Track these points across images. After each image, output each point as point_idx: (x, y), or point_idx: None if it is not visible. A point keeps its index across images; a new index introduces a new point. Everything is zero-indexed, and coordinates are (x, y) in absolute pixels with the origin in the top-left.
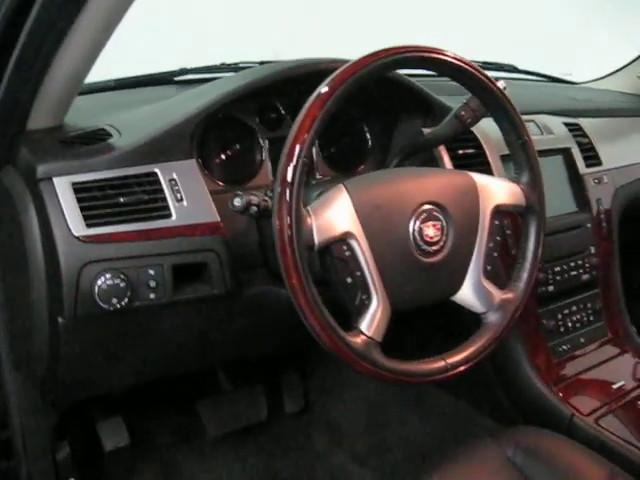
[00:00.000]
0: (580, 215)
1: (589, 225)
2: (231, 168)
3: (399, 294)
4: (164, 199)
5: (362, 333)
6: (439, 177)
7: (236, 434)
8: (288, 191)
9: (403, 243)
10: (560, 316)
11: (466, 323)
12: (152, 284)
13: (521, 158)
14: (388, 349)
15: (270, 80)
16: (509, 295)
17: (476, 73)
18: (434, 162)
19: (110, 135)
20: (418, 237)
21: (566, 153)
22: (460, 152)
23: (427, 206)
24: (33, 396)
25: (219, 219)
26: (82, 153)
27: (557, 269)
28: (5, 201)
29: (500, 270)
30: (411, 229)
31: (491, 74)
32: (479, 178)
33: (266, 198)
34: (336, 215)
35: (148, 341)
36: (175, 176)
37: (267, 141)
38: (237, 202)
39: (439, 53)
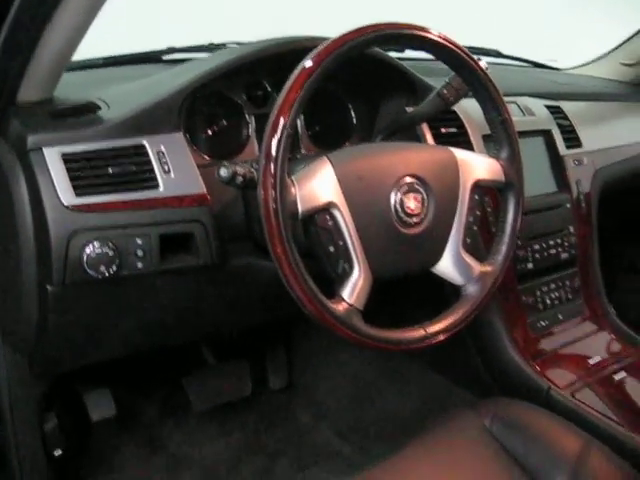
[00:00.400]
0: (560, 195)
1: (568, 205)
2: (218, 143)
3: (380, 264)
4: (152, 171)
5: (344, 300)
6: (421, 151)
7: (221, 409)
8: (273, 161)
9: (385, 214)
10: (539, 293)
11: (446, 295)
12: (140, 253)
13: (501, 135)
14: (369, 318)
15: (255, 56)
16: (488, 268)
17: (458, 51)
18: (417, 140)
19: (99, 108)
20: (399, 209)
21: (547, 134)
22: (443, 130)
23: (408, 179)
24: (21, 367)
25: (206, 191)
26: (72, 125)
27: (536, 247)
28: None
29: (480, 244)
30: (392, 201)
31: None
32: (459, 153)
33: (252, 169)
34: (319, 185)
35: (135, 311)
36: (163, 148)
37: (254, 117)
38: (223, 172)
39: (423, 31)
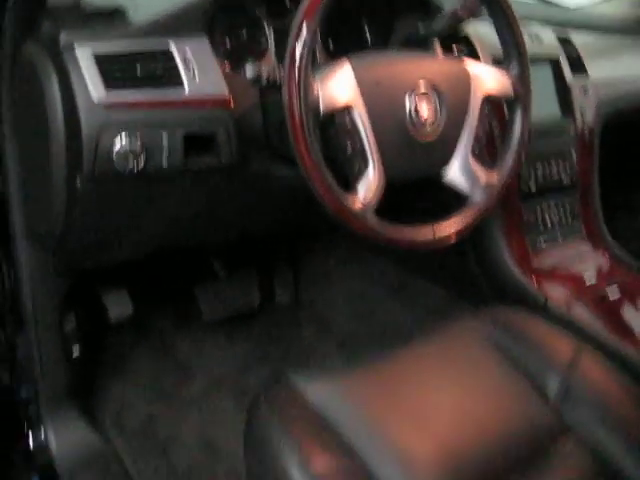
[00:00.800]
0: (564, 121)
1: (572, 131)
2: (237, 53)
3: (393, 166)
4: (178, 72)
5: (359, 198)
6: (436, 61)
7: (229, 321)
8: (298, 60)
9: (400, 119)
10: (540, 213)
11: (454, 204)
12: (165, 151)
13: (512, 52)
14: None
15: None
16: (494, 177)
17: None
18: None
19: (127, 11)
20: (414, 115)
21: (554, 62)
22: (454, 49)
23: (423, 84)
24: (44, 266)
25: (228, 94)
26: (102, 25)
27: (539, 168)
28: (27, 73)
29: (486, 157)
30: (407, 106)
31: None
32: (472, 66)
33: (275, 72)
34: (340, 86)
35: (159, 208)
36: (189, 51)
37: (272, 30)
38: (249, 70)
39: None
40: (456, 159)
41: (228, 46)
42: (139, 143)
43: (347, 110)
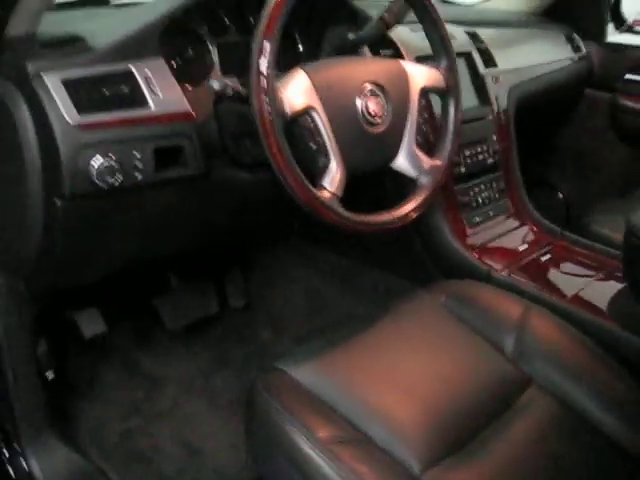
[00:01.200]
0: (482, 108)
1: (490, 117)
2: (186, 71)
3: (352, 158)
4: (141, 91)
5: (326, 189)
6: (377, 63)
7: (189, 330)
8: (263, 72)
9: (353, 116)
10: (472, 193)
11: (404, 193)
12: (138, 165)
13: (440, 47)
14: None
15: None
16: (436, 161)
17: None
18: None
19: (85, 38)
20: (365, 111)
21: (468, 56)
22: (381, 53)
23: (369, 85)
24: (14, 293)
25: (190, 108)
26: (64, 53)
27: (467, 153)
28: None
29: (430, 142)
30: (359, 104)
31: None
32: (406, 65)
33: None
34: (299, 91)
35: (132, 221)
36: (148, 72)
37: (215, 46)
38: (215, 84)
39: None
40: (402, 148)
41: (179, 63)
42: (114, 159)
43: (308, 111)
